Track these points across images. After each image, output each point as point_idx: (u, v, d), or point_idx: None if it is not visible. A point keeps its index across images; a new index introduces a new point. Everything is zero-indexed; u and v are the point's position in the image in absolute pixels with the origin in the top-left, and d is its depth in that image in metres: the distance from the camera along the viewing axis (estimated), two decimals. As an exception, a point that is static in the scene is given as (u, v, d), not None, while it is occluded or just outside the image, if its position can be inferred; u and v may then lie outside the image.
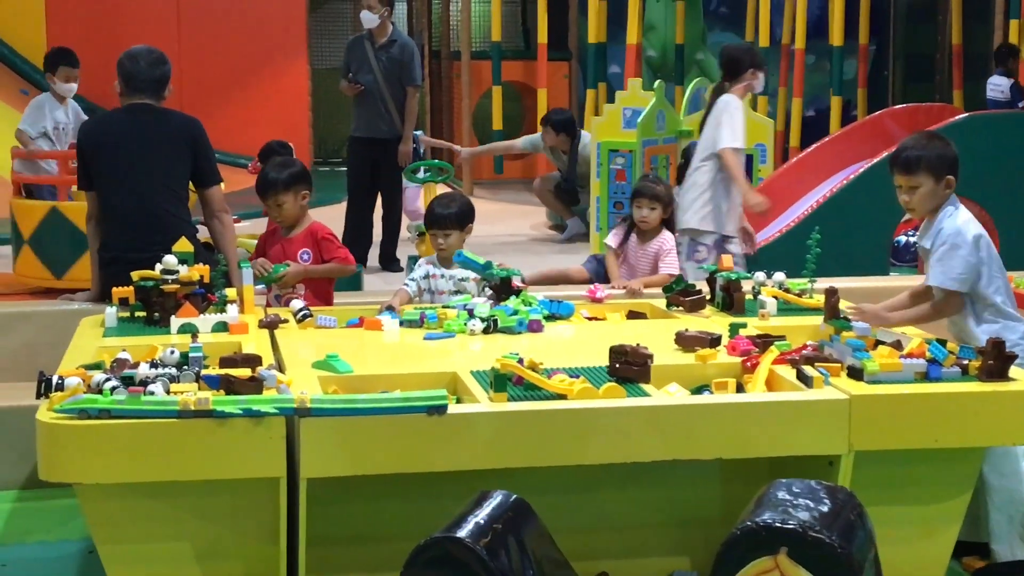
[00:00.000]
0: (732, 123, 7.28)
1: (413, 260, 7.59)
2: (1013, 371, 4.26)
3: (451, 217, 5.68)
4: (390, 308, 5.22)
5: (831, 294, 4.72)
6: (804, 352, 4.42)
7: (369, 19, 9.45)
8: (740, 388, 4.37)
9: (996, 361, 4.21)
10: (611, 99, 10.74)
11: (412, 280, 5.68)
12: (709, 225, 7.35)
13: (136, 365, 4.09)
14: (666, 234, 6.43)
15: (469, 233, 5.77)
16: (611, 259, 6.59)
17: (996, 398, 4.17)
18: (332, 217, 11.33)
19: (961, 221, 4.75)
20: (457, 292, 5.54)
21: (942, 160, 4.75)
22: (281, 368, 4.41)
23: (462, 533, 3.42)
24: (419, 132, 10.27)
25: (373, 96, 9.60)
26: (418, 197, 10.30)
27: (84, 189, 6.16)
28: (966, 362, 4.28)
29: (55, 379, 3.97)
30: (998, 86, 13.14)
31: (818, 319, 5.02)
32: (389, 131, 9.59)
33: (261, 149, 8.77)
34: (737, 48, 8.05)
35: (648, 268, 6.37)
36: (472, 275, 5.58)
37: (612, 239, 6.63)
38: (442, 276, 5.65)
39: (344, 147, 18.30)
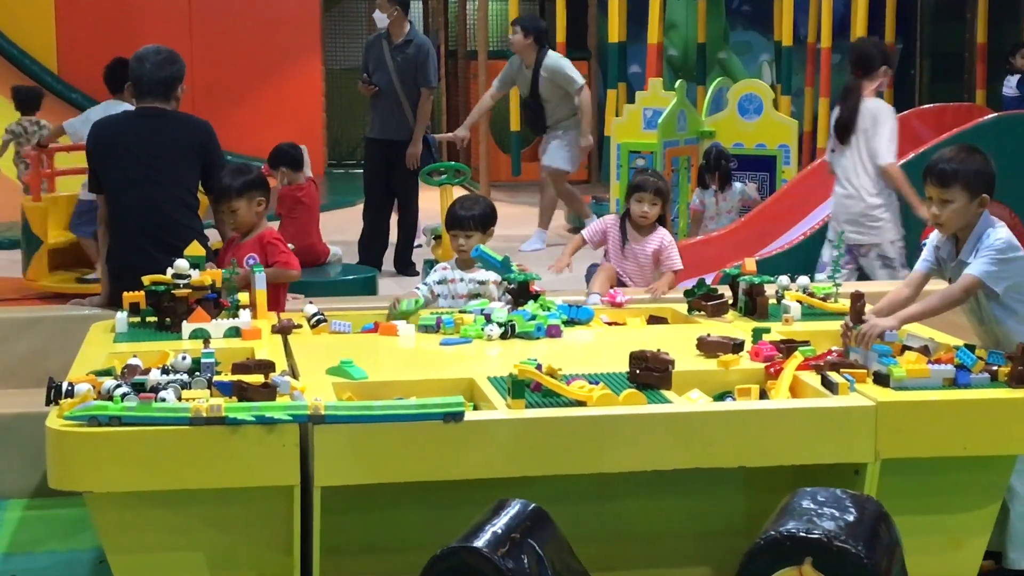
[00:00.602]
0: (890, 134, 7.33)
1: (429, 264, 7.60)
2: (1044, 377, 4.24)
3: (473, 219, 5.68)
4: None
5: (857, 298, 4.70)
6: (829, 358, 4.41)
7: (380, 19, 9.47)
8: (763, 395, 4.36)
9: (1027, 366, 4.20)
10: (631, 99, 10.74)
11: (425, 284, 5.68)
12: (896, 235, 7.47)
13: (147, 371, 4.10)
14: (662, 230, 6.35)
15: (491, 236, 5.76)
16: (575, 246, 6.48)
17: (1027, 404, 4.16)
18: (348, 219, 11.40)
19: (1008, 233, 4.67)
20: (476, 296, 5.54)
21: (979, 177, 4.64)
22: (295, 374, 4.41)
23: (479, 543, 3.43)
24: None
25: (388, 97, 9.57)
26: None
27: (95, 192, 6.18)
28: (995, 368, 4.26)
29: (65, 385, 3.98)
30: (1008, 82, 13.21)
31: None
32: (404, 132, 9.55)
33: (271, 152, 8.79)
34: (869, 43, 7.96)
35: (649, 266, 6.32)
36: (492, 278, 5.58)
37: (591, 234, 6.44)
38: (461, 280, 5.65)
39: (359, 149, 18.43)
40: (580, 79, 10.66)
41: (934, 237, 4.81)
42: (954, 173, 4.62)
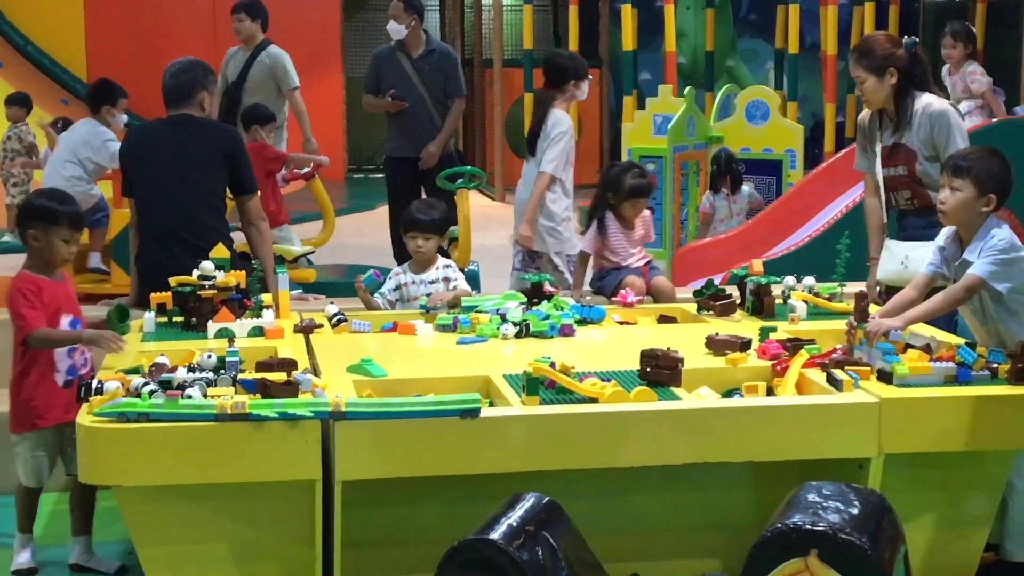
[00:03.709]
0: (559, 149, 6.90)
1: None
2: (1043, 374, 4.24)
3: (433, 223, 5.69)
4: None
5: (861, 298, 4.69)
6: (834, 356, 4.41)
7: (396, 30, 8.53)
8: (770, 391, 4.36)
9: (1026, 364, 4.19)
10: (642, 106, 10.72)
11: (380, 295, 5.67)
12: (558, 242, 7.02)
13: (174, 369, 4.11)
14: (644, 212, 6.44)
15: (445, 241, 5.84)
16: (583, 268, 6.49)
17: (1026, 401, 4.15)
18: (368, 223, 11.43)
19: (1011, 234, 4.61)
20: (428, 295, 5.61)
21: (990, 176, 4.62)
22: (316, 372, 4.42)
23: (495, 535, 3.43)
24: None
25: (418, 112, 8.52)
26: None
27: (125, 196, 6.20)
28: (995, 365, 4.26)
29: (95, 383, 3.99)
30: None
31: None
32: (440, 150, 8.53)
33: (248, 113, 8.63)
34: (562, 56, 7.42)
35: (639, 248, 6.46)
36: (442, 276, 5.66)
37: (589, 244, 6.43)
38: (413, 283, 5.67)
39: (377, 154, 18.39)
40: (298, 81, 9.31)
41: (940, 239, 4.80)
42: (968, 167, 4.63)
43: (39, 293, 4.68)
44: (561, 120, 6.94)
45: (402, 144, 8.61)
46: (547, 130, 6.94)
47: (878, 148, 5.51)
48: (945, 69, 9.38)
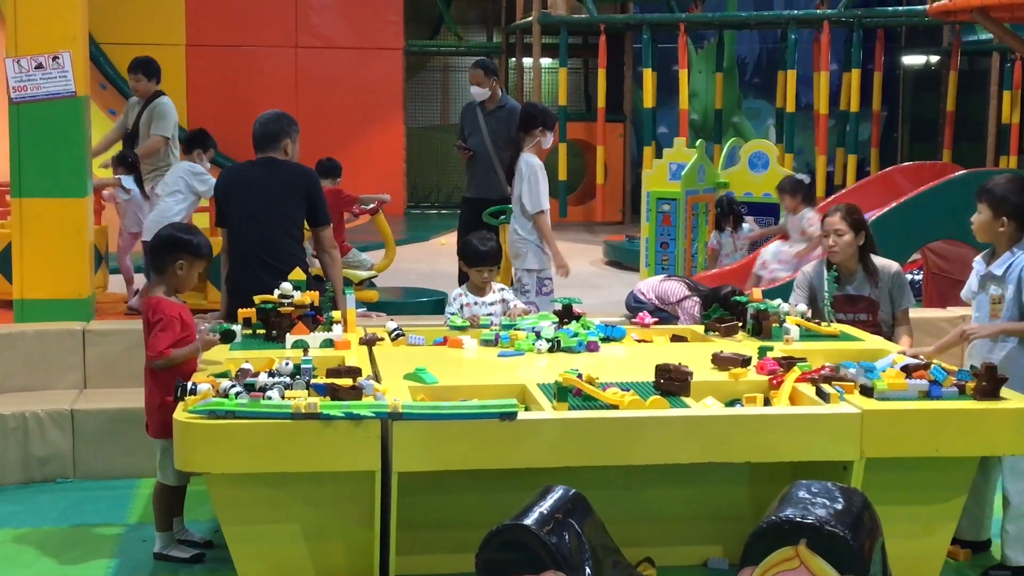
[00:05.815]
0: (538, 187, 6.97)
1: None
2: (1004, 391, 4.20)
3: (492, 254, 5.76)
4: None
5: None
6: (822, 372, 4.39)
7: (479, 93, 8.45)
8: (767, 402, 4.33)
9: (989, 382, 4.15)
10: (659, 155, 10.71)
11: (452, 314, 5.69)
12: (543, 264, 7.10)
13: (257, 374, 4.13)
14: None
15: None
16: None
17: (989, 414, 4.11)
18: (424, 251, 11.45)
19: None
20: (490, 315, 5.62)
21: (1004, 201, 4.58)
22: (378, 379, 4.43)
23: (528, 521, 3.42)
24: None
25: (482, 158, 8.48)
26: None
27: (218, 225, 6.23)
28: (963, 383, 4.22)
29: (190, 385, 4.02)
30: None
31: (834, 345, 4.98)
32: (496, 191, 8.23)
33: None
34: (535, 107, 7.41)
35: None
36: (499, 298, 5.69)
37: (680, 312, 6.30)
38: (475, 303, 5.69)
39: (432, 193, 18.46)
40: (167, 132, 8.51)
41: (974, 261, 4.77)
42: (985, 191, 4.62)
43: (182, 318, 4.75)
44: (531, 163, 7.01)
45: (470, 187, 8.57)
46: (521, 173, 7.02)
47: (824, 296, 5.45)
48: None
